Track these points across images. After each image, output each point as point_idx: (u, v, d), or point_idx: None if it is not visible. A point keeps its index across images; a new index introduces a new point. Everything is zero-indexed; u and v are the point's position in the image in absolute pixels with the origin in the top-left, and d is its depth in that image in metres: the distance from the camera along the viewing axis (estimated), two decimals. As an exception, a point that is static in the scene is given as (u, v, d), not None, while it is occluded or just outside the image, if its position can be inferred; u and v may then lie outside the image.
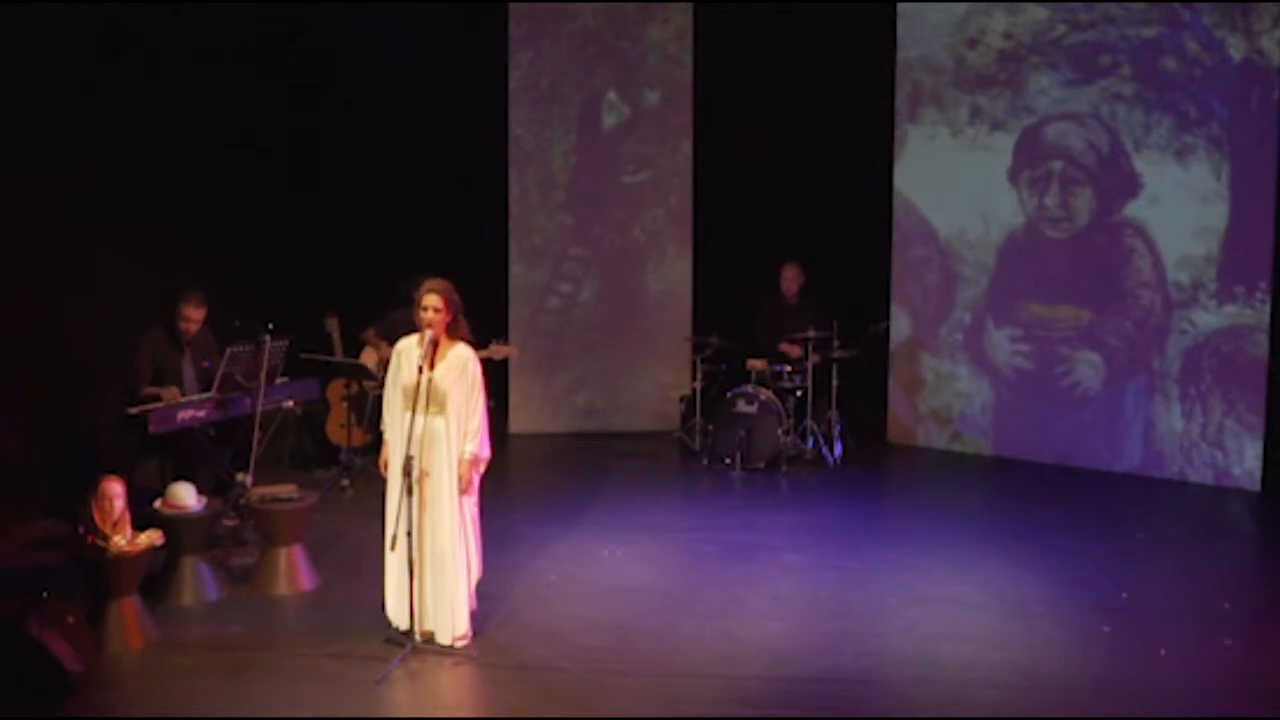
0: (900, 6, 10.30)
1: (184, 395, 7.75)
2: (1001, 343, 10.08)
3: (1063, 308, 9.79)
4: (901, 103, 10.30)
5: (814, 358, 9.65)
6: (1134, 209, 9.49)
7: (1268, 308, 9.02)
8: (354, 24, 10.17)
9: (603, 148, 10.83)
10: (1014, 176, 9.95)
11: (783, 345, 9.87)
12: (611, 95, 10.78)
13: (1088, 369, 9.73)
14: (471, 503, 6.28)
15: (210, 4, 9.49)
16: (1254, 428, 9.10)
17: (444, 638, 6.19)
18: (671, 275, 10.91)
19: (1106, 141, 9.56)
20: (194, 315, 7.95)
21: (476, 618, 6.34)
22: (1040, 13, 9.68)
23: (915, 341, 10.41)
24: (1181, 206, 9.26)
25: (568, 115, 10.78)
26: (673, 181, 10.86)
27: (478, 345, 6.40)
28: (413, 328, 6.33)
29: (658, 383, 10.94)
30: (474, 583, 6.34)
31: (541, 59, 10.72)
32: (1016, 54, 9.82)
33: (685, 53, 10.75)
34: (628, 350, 10.92)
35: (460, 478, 6.15)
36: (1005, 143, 9.93)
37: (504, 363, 10.48)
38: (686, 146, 10.83)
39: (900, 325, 10.47)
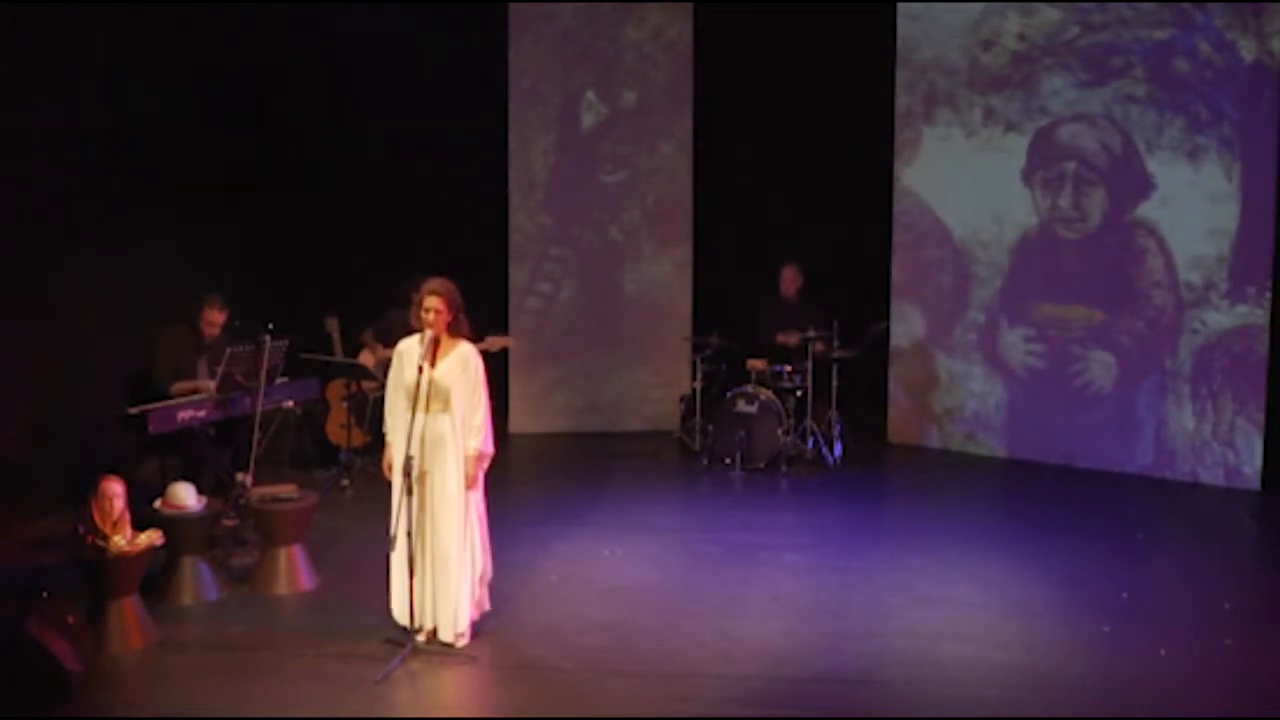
0: (901, 6, 10.31)
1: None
2: (1015, 342, 10.09)
3: (1075, 308, 9.80)
4: (916, 104, 10.31)
5: (817, 347, 9.62)
6: (1146, 209, 9.49)
7: (1269, 308, 9.04)
8: (356, 25, 10.17)
9: (581, 147, 10.84)
10: (1027, 177, 9.95)
11: (779, 337, 9.88)
12: (590, 95, 10.79)
13: (1100, 369, 9.74)
14: (477, 499, 6.29)
15: (211, 5, 9.48)
16: (1263, 427, 9.12)
17: (447, 635, 6.20)
18: (648, 275, 10.92)
19: (1119, 142, 9.57)
20: (216, 319, 8.00)
21: (483, 617, 6.36)
22: (1053, 14, 9.68)
23: (929, 341, 10.42)
24: (1193, 207, 9.27)
25: (547, 115, 10.79)
26: (650, 181, 10.86)
27: (475, 340, 6.41)
28: (410, 328, 6.33)
29: (644, 383, 10.95)
30: (486, 580, 6.36)
31: (521, 59, 10.73)
32: (1030, 55, 9.82)
33: (661, 52, 10.76)
34: (619, 350, 10.93)
35: (466, 474, 6.16)
36: (1019, 144, 9.93)
37: (504, 362, 10.48)
38: (664, 146, 10.84)
39: (914, 325, 10.48)
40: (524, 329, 10.81)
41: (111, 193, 8.69)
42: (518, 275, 10.87)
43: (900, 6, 10.31)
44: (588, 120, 10.83)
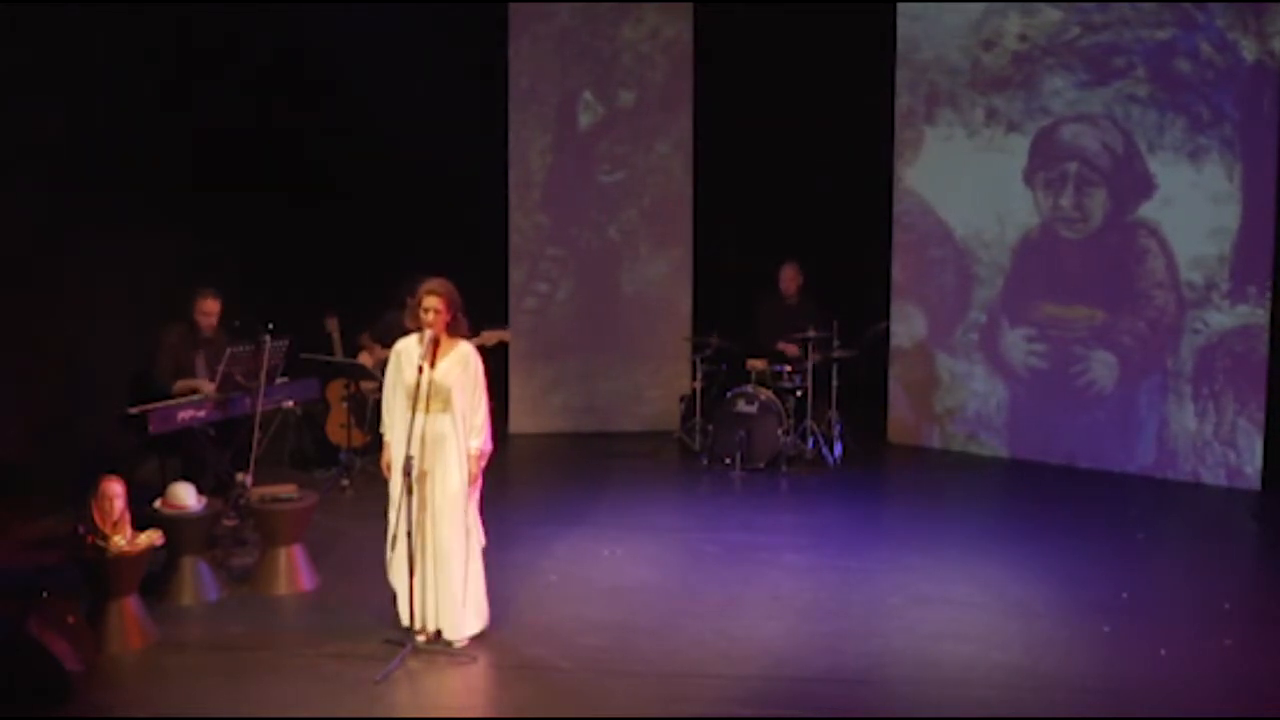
0: (901, 6, 10.32)
1: None
2: (1016, 342, 10.09)
3: (1077, 308, 9.81)
4: (918, 104, 10.31)
5: (814, 355, 9.64)
6: (1148, 210, 9.50)
7: (1269, 308, 9.05)
8: (356, 24, 10.17)
9: (579, 147, 10.85)
10: (1029, 177, 9.95)
11: (780, 344, 9.88)
12: (587, 95, 10.80)
13: (1102, 369, 9.74)
14: (474, 499, 6.29)
15: (210, 5, 9.50)
16: (1263, 427, 9.13)
17: (451, 635, 6.20)
18: (646, 275, 10.93)
19: (1120, 143, 9.57)
20: (211, 308, 8.04)
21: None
22: (1055, 14, 9.69)
23: (931, 341, 10.42)
24: (1194, 207, 9.27)
25: (545, 115, 10.80)
26: (647, 181, 10.87)
27: (471, 334, 6.41)
28: (407, 329, 6.33)
29: (641, 383, 10.96)
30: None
31: (519, 59, 10.75)
32: (1031, 55, 9.83)
33: (659, 53, 10.77)
34: (617, 350, 10.93)
35: (469, 472, 6.17)
36: (1020, 144, 9.94)
37: (503, 362, 10.50)
38: (661, 146, 10.85)
39: (916, 325, 10.48)
40: (522, 329, 10.81)
41: (111, 193, 8.70)
42: (516, 275, 10.88)
43: (901, 6, 10.32)
44: (585, 120, 10.84)
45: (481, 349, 6.56)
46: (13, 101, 7.89)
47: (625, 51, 10.78)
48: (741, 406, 9.66)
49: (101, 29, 8.58)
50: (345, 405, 9.41)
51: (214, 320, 8.05)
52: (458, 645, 6.20)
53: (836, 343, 9.68)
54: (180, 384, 7.87)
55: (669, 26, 10.78)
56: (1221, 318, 9.23)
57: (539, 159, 10.84)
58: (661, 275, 10.94)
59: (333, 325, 9.71)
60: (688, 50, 10.79)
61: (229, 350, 7.61)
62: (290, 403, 8.31)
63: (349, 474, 9.08)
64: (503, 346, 9.76)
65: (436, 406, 6.13)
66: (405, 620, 6.21)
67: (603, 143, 10.86)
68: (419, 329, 6.23)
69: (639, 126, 10.83)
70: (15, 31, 7.94)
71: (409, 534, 6.06)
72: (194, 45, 9.44)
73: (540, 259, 10.90)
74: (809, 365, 9.67)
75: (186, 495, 6.89)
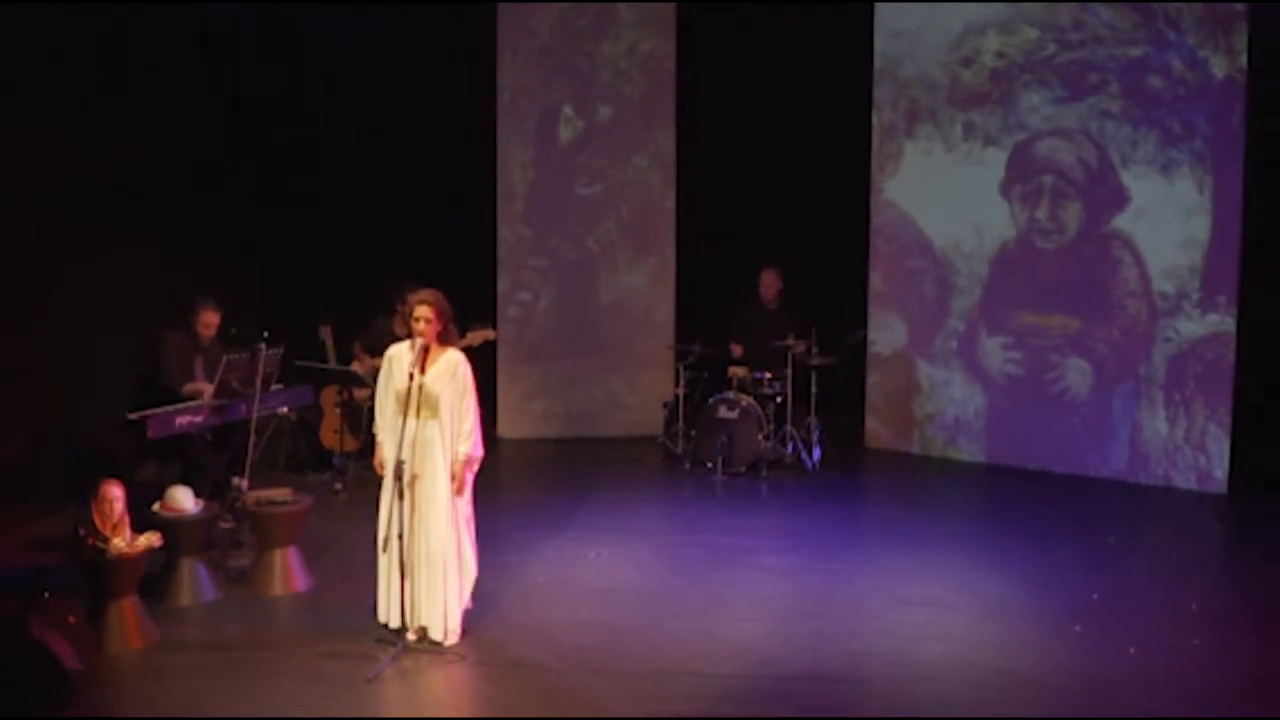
0: (881, 21, 10.47)
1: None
2: (994, 350, 10.29)
3: (1053, 316, 9.99)
4: (899, 119, 10.50)
5: (782, 361, 9.81)
6: (1121, 221, 9.70)
7: (1237, 316, 9.26)
8: (351, 39, 10.28)
9: (559, 161, 11.00)
10: (1006, 190, 10.15)
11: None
12: (567, 110, 10.95)
13: (1077, 376, 9.94)
14: (465, 502, 6.42)
15: (209, 14, 9.60)
16: (1231, 431, 9.35)
17: (436, 634, 6.32)
18: (624, 285, 11.08)
19: (1095, 157, 9.77)
20: (211, 320, 8.16)
21: (470, 617, 6.49)
22: (1031, 33, 9.89)
23: (911, 349, 10.61)
24: (1166, 219, 9.48)
25: (526, 129, 10.95)
26: (625, 194, 11.03)
27: (459, 337, 6.53)
28: (396, 336, 6.45)
29: (620, 390, 11.10)
30: (470, 582, 6.48)
31: (502, 74, 10.89)
32: (1009, 72, 10.03)
33: (636, 68, 10.92)
34: (596, 358, 11.07)
35: (454, 478, 6.30)
36: (998, 158, 10.14)
37: (492, 368, 10.64)
38: (638, 160, 11.00)
39: (896, 333, 10.66)
40: (506, 337, 10.94)
41: (110, 200, 8.77)
42: (501, 284, 11.03)
43: (879, 23, 10.48)
44: (565, 134, 10.99)
45: (469, 350, 6.65)
46: (13, 104, 7.97)
47: (604, 67, 10.94)
48: (723, 412, 9.81)
49: (100, 33, 8.65)
50: (339, 411, 9.54)
51: (213, 331, 8.20)
52: (448, 645, 6.33)
53: (815, 349, 9.85)
54: (189, 386, 8.02)
55: (646, 42, 10.92)
56: (1192, 326, 9.44)
57: (521, 172, 10.99)
58: (640, 285, 11.09)
59: (327, 333, 9.83)
60: (665, 64, 10.93)
61: (226, 358, 7.72)
62: (285, 409, 8.43)
63: (342, 478, 9.20)
64: (489, 347, 9.88)
65: (426, 413, 6.25)
66: (394, 621, 6.30)
67: (582, 156, 11.02)
68: (409, 335, 6.36)
69: (617, 140, 10.98)
70: (15, 32, 8.01)
71: (400, 536, 6.19)
72: (191, 54, 9.54)
73: (523, 269, 11.06)
74: (789, 372, 9.83)
75: (184, 498, 7.00)
